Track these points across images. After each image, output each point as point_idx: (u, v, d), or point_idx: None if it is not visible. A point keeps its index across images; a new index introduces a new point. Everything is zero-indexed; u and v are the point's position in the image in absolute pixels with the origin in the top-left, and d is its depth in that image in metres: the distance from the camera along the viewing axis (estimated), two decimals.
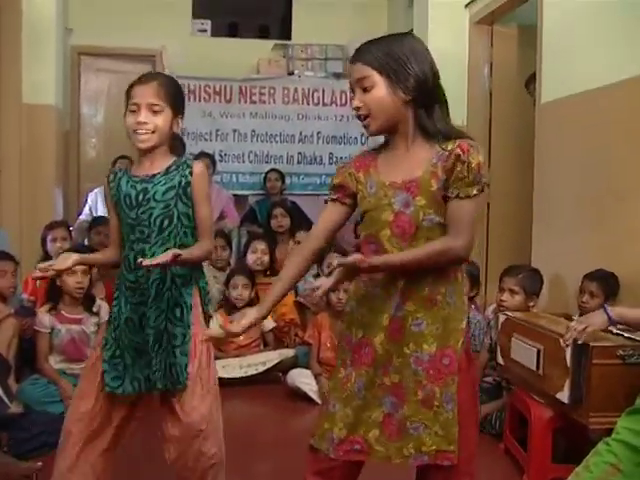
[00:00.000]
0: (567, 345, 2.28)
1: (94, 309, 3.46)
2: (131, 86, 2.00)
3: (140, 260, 1.84)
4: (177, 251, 1.84)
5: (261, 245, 4.14)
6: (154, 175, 1.99)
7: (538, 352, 2.46)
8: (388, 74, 1.52)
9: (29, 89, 4.68)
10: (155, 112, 1.94)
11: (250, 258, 4.16)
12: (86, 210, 5.37)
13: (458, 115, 5.06)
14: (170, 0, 6.32)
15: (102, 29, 6.01)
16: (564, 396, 2.30)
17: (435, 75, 1.56)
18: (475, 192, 1.50)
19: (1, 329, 3.27)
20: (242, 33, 7.64)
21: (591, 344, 2.22)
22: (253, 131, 6.07)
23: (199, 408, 1.97)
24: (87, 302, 3.44)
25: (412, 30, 5.53)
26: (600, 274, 3.12)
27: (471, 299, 3.72)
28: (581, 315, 3.13)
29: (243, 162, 6.05)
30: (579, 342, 2.25)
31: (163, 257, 1.82)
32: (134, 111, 1.95)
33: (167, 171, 1.99)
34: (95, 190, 5.43)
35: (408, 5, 6.03)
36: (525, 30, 4.83)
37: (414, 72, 1.52)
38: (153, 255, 1.93)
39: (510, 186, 4.95)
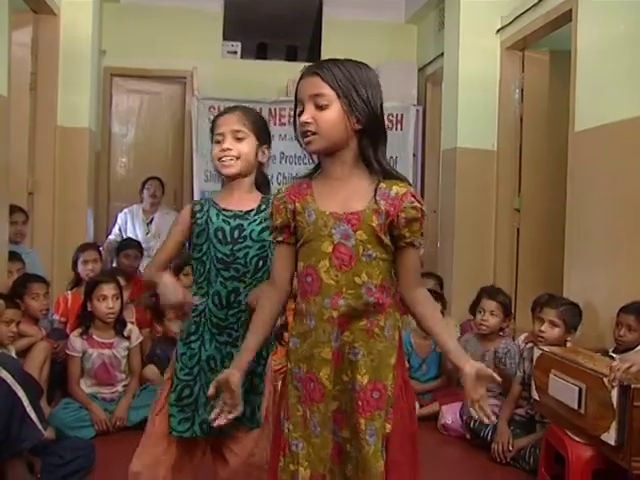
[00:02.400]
0: (613, 386, 2.24)
1: (125, 333, 3.48)
2: (215, 118, 2.01)
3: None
4: None
5: None
6: (248, 212, 1.96)
7: (580, 390, 2.41)
8: (346, 97, 1.50)
9: (64, 112, 4.74)
10: (239, 139, 1.94)
11: None
12: (115, 230, 5.42)
13: (488, 140, 5.04)
14: (201, 22, 6.39)
15: (134, 50, 6.10)
16: (610, 438, 2.25)
17: (383, 112, 1.56)
18: (422, 242, 1.56)
19: (34, 352, 3.30)
20: (270, 54, 7.71)
21: (632, 386, 2.18)
22: (282, 153, 6.07)
23: (266, 448, 1.92)
24: (118, 326, 3.46)
25: (442, 54, 5.55)
26: (638, 306, 3.07)
27: (501, 329, 3.67)
28: (617, 349, 3.09)
29: (272, 184, 6.04)
30: (624, 383, 2.20)
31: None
32: (219, 141, 1.95)
33: (259, 209, 1.97)
34: (125, 210, 5.48)
35: (438, 29, 6.03)
36: (557, 55, 4.81)
37: (370, 103, 1.52)
38: (246, 296, 1.91)
39: (540, 213, 4.91)
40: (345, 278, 1.52)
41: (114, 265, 4.78)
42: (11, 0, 3.63)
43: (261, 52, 7.73)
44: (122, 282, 3.72)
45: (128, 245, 4.65)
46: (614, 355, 2.84)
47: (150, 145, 6.45)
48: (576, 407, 2.43)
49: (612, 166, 3.50)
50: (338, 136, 1.51)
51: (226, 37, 6.63)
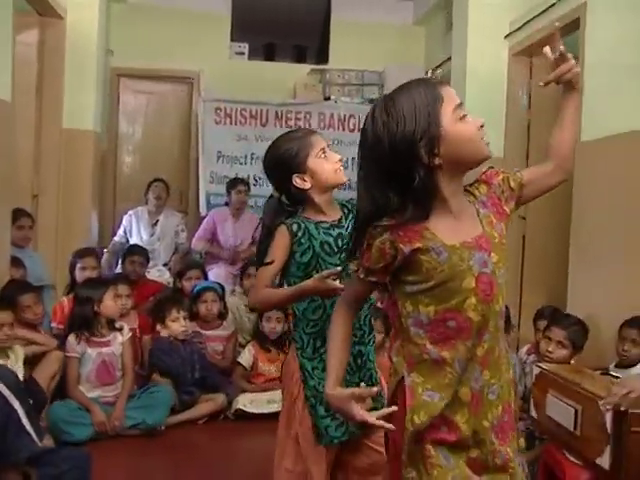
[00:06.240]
0: (607, 410, 2.21)
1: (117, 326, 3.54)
2: (299, 140, 2.03)
3: None
4: None
5: None
6: (339, 220, 2.03)
7: (575, 412, 2.38)
8: None
9: (69, 114, 4.75)
10: None
11: None
12: (120, 232, 5.42)
13: (495, 147, 4.92)
14: (209, 22, 6.38)
15: (141, 51, 6.08)
16: (604, 462, 2.22)
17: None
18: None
19: (47, 361, 3.30)
20: (278, 55, 7.67)
21: (630, 411, 2.15)
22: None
23: None
24: (111, 323, 3.52)
25: (449, 58, 5.50)
26: None
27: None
28: (620, 363, 3.06)
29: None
30: (621, 408, 2.17)
31: None
32: (324, 155, 1.99)
33: (347, 216, 2.04)
34: (130, 212, 5.47)
35: (446, 32, 5.99)
36: None
37: None
38: None
39: (546, 220, 4.84)
40: (488, 309, 1.40)
41: (119, 269, 4.79)
42: (15, 2, 3.62)
43: (269, 53, 7.70)
44: (126, 290, 3.76)
45: (134, 251, 4.64)
46: (613, 373, 2.81)
47: (156, 146, 6.45)
48: (572, 429, 2.41)
49: (619, 176, 3.46)
50: None
51: (234, 38, 6.61)
